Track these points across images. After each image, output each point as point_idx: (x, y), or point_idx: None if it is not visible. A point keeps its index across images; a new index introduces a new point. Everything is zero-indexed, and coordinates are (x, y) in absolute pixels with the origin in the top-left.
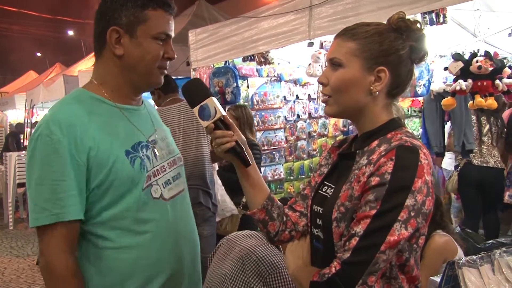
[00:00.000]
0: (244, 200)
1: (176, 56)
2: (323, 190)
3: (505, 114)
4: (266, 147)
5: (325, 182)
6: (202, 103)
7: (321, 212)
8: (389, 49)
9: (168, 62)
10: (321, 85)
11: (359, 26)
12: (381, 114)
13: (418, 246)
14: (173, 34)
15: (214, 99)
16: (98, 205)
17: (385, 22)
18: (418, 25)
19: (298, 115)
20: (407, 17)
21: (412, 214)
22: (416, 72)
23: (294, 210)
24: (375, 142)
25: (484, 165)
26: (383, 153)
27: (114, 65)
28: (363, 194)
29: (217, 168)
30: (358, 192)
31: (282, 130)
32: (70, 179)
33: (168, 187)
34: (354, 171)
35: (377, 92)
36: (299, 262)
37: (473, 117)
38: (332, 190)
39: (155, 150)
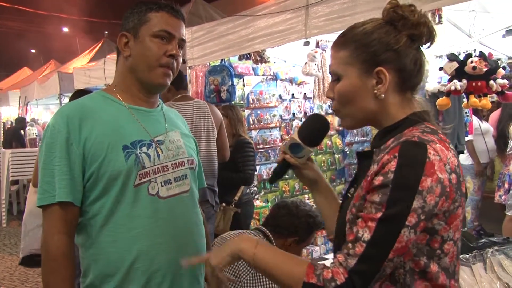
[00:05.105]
0: (236, 198)
1: (180, 54)
2: (350, 192)
3: (495, 115)
4: (261, 146)
5: (355, 184)
6: (309, 148)
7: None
8: (380, 47)
9: (174, 62)
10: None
11: (349, 30)
12: (398, 111)
13: (443, 252)
14: (178, 35)
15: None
16: (91, 196)
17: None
18: (411, 9)
19: (293, 114)
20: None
21: (422, 217)
22: None
23: None
24: (391, 140)
25: None
26: (387, 150)
27: (123, 67)
28: (368, 194)
29: None
30: (364, 192)
31: (278, 128)
32: (65, 165)
33: (167, 186)
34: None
35: (382, 95)
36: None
37: None
38: (351, 192)
39: (159, 149)
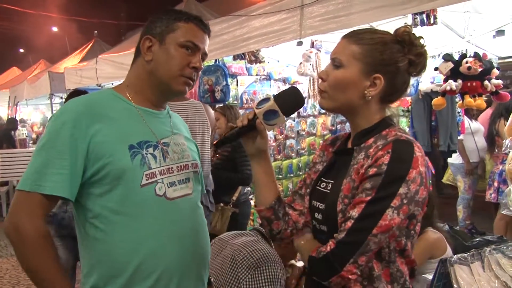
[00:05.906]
0: (234, 198)
1: (202, 67)
2: (321, 186)
3: (485, 114)
4: None
5: (322, 178)
6: (286, 115)
7: (321, 207)
8: (389, 59)
9: (194, 74)
10: (320, 80)
11: (367, 32)
12: (374, 115)
13: (415, 233)
14: (203, 48)
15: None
16: (94, 194)
17: (388, 31)
18: (421, 41)
19: None
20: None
21: (405, 201)
22: None
23: (294, 209)
24: (371, 139)
25: None
26: (380, 147)
27: (142, 70)
28: (361, 183)
29: None
30: (357, 183)
31: None
32: (65, 159)
33: (173, 188)
34: (353, 166)
35: (370, 97)
36: (308, 236)
37: None
38: (330, 185)
39: (165, 151)
